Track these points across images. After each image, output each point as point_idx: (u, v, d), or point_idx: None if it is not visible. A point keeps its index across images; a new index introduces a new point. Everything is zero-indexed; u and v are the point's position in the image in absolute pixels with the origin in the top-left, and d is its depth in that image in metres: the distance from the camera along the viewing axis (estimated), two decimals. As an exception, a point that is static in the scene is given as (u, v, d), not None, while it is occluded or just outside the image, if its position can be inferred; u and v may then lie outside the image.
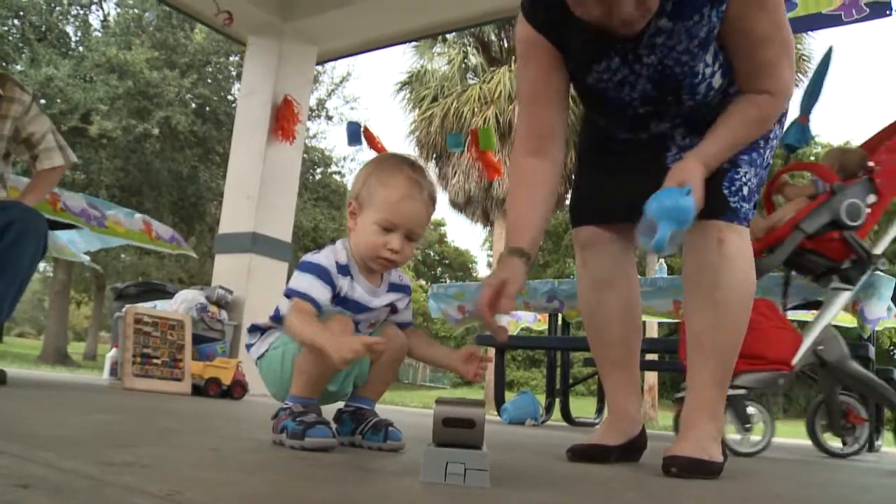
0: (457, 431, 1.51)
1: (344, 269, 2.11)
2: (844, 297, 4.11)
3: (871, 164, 4.19)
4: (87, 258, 6.24)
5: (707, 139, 2.24)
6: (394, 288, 2.25)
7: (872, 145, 4.49)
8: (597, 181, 2.60)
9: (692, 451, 2.19)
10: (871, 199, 4.10)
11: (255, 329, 2.26)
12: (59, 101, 20.82)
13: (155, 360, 5.23)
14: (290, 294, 2.03)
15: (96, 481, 1.14)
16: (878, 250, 4.15)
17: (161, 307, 6.19)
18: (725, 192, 2.30)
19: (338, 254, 2.11)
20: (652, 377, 22.39)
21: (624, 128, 2.45)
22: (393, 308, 2.25)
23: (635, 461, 2.57)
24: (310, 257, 2.09)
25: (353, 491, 1.31)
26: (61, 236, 5.54)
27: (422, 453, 1.49)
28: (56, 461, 1.30)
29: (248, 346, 2.28)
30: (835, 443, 4.54)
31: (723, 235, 2.29)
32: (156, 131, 21.47)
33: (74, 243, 5.85)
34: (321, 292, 2.03)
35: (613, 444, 2.51)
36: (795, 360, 3.89)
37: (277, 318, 2.18)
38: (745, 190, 2.33)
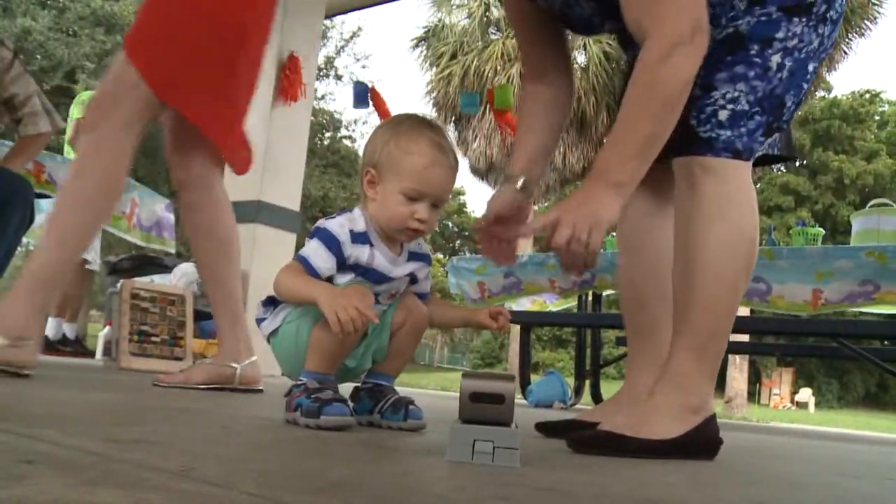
0: (485, 407, 1.53)
1: (362, 237, 2.13)
2: None
3: None
4: None
5: (606, 143, 2.03)
6: (414, 257, 2.28)
7: None
8: None
9: (618, 426, 2.02)
10: None
11: (270, 302, 2.29)
12: (39, 56, 20.48)
13: (153, 338, 5.27)
14: (296, 257, 2.09)
15: (104, 457, 1.16)
16: None
17: (159, 282, 6.22)
18: (693, 122, 2.13)
19: (354, 222, 2.13)
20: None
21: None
22: (412, 278, 2.29)
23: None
24: (322, 223, 2.12)
25: (373, 469, 1.33)
26: (46, 207, 5.55)
27: (447, 431, 1.52)
28: (59, 438, 1.33)
29: (259, 321, 2.31)
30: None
31: (695, 178, 2.12)
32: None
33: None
34: (323, 260, 2.07)
35: (596, 420, 2.25)
36: None
37: None
38: (725, 114, 2.12)
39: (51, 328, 7.31)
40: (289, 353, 2.21)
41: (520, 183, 2.37)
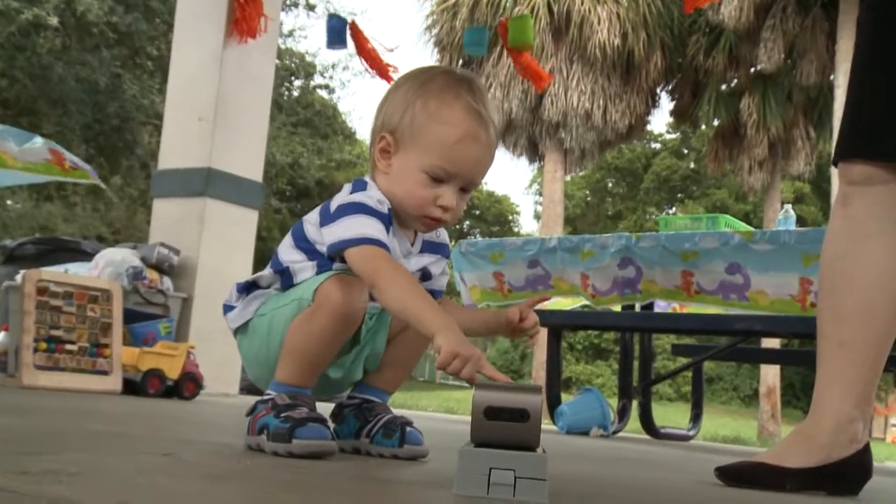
0: (504, 426, 1.52)
1: (387, 220, 2.11)
2: None
3: None
4: None
5: None
6: (429, 248, 2.29)
7: None
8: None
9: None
10: None
11: (246, 288, 2.29)
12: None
13: (69, 347, 5.21)
14: (352, 242, 2.00)
15: (12, 493, 1.16)
16: None
17: (75, 272, 6.18)
18: None
19: (382, 201, 2.11)
20: (772, 374, 22.25)
21: None
22: (424, 273, 2.30)
23: (845, 494, 2.47)
24: (360, 198, 2.08)
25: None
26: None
27: (456, 458, 1.51)
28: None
29: (226, 309, 2.31)
30: None
31: None
32: (54, 20, 20.90)
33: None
34: (390, 241, 2.06)
35: (794, 465, 2.43)
36: None
37: (282, 271, 2.22)
38: None
39: None
40: (258, 355, 2.23)
41: None
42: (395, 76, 7.45)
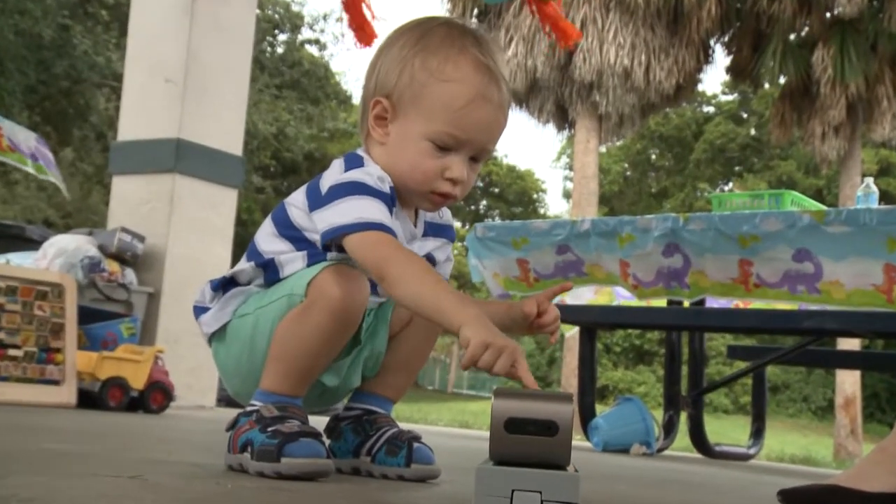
0: (529, 440, 1.54)
1: (390, 201, 2.13)
2: None
3: None
4: None
5: None
6: (432, 230, 2.31)
7: None
8: None
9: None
10: None
11: (222, 285, 2.30)
12: None
13: (13, 352, 5.18)
14: (352, 228, 2.01)
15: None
16: None
17: (19, 263, 6.18)
18: None
19: (384, 178, 2.12)
20: (850, 382, 22.12)
21: None
22: (429, 259, 2.31)
23: None
24: (358, 176, 2.09)
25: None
26: None
27: (473, 477, 1.52)
28: None
29: (198, 311, 2.32)
30: None
31: None
32: (-15, -38, 20.89)
33: None
34: (396, 227, 2.07)
35: (876, 489, 2.39)
36: None
37: (265, 264, 2.23)
38: None
39: None
40: (239, 363, 2.23)
41: None
42: (377, 43, 7.43)
